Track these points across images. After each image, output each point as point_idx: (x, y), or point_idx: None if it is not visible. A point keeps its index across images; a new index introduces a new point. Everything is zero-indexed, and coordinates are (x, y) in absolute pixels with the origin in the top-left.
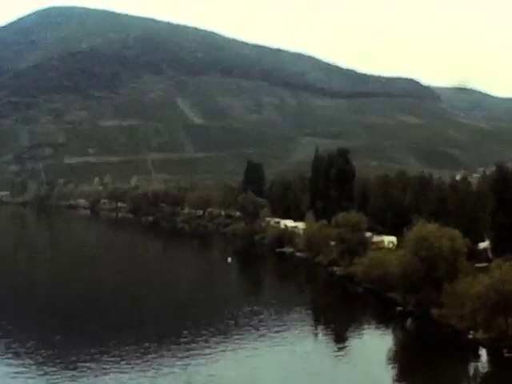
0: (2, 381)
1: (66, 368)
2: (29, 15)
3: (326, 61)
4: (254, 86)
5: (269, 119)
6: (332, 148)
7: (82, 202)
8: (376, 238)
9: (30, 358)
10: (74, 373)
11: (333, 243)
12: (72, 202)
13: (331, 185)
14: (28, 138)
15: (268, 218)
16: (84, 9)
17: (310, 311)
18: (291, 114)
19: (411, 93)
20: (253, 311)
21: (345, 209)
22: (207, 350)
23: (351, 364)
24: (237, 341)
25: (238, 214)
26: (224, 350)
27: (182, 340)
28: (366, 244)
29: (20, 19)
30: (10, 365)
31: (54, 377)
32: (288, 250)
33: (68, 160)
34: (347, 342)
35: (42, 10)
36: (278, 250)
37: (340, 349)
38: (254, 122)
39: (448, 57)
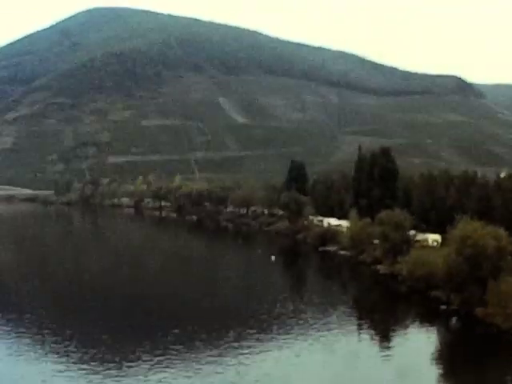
0: (47, 380)
1: (111, 368)
2: (72, 16)
3: (369, 59)
4: (296, 84)
5: (311, 118)
6: (375, 146)
7: (125, 201)
8: (420, 237)
9: (75, 357)
10: (120, 372)
11: (376, 241)
12: (116, 201)
13: (374, 183)
14: (72, 138)
15: (311, 217)
16: (126, 9)
17: (353, 310)
18: (334, 113)
19: (455, 90)
20: (296, 310)
21: (388, 207)
22: (250, 350)
23: (395, 363)
24: (280, 340)
25: (281, 212)
26: (267, 349)
27: (226, 339)
28: (409, 242)
29: (63, 21)
30: (55, 363)
31: (98, 376)
32: (331, 248)
33: (112, 159)
34: (391, 341)
35: (85, 12)
36: (321, 248)
37: (383, 348)
38: (296, 121)
39: (492, 53)
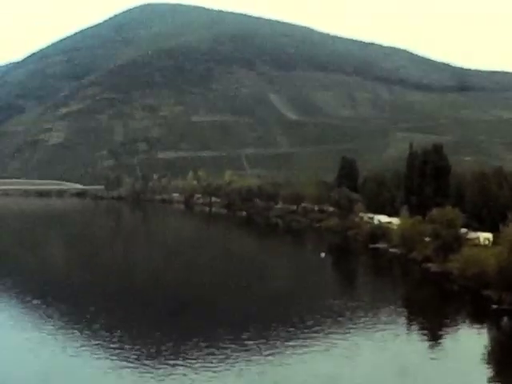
0: (99, 376)
1: (160, 365)
2: (123, 13)
3: (421, 54)
4: (347, 80)
5: (362, 114)
6: (427, 143)
7: (176, 196)
8: (471, 235)
9: (127, 354)
10: (170, 371)
11: (427, 239)
12: (166, 196)
13: (426, 181)
14: (123, 134)
15: (362, 214)
16: (177, 5)
17: (403, 308)
18: (385, 109)
19: (508, 87)
20: (345, 308)
21: (440, 205)
22: (298, 348)
23: (445, 363)
24: (329, 337)
25: (331, 209)
26: (315, 348)
27: (274, 337)
28: (460, 240)
29: (114, 17)
30: (107, 359)
31: (147, 374)
32: (382, 245)
33: (162, 155)
34: (441, 340)
35: (136, 8)
36: (371, 245)
37: (434, 347)
38: (347, 118)
39: None
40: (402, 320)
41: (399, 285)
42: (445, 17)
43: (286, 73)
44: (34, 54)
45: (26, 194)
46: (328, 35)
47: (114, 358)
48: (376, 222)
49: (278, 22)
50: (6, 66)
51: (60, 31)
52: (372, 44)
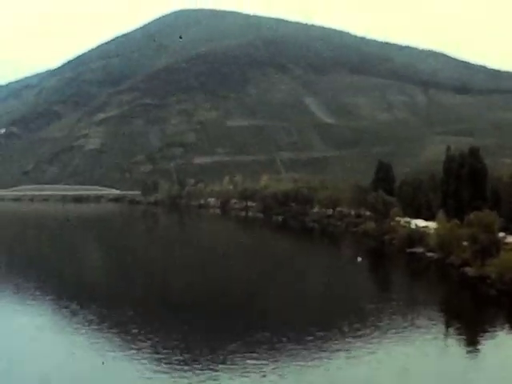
0: (138, 382)
1: (199, 370)
2: (158, 19)
3: (457, 57)
4: (383, 84)
5: (398, 118)
6: (463, 146)
7: (212, 201)
8: (509, 239)
9: (165, 359)
10: (208, 376)
11: (465, 243)
12: (202, 201)
13: (463, 184)
14: (159, 139)
15: (398, 218)
16: (212, 11)
17: (440, 312)
18: (421, 112)
19: None
20: (382, 311)
21: (477, 208)
22: (334, 351)
23: (482, 369)
24: (364, 342)
25: (367, 213)
26: (351, 351)
27: (310, 340)
28: (499, 244)
29: (150, 23)
30: (146, 364)
31: (186, 379)
32: (418, 250)
33: (198, 160)
34: (479, 345)
35: (171, 13)
36: (408, 250)
37: (472, 352)
38: (383, 121)
39: None
40: (440, 325)
41: (436, 289)
42: (481, 18)
43: (321, 76)
44: (70, 61)
45: (63, 199)
46: (363, 38)
47: (154, 363)
48: (413, 226)
49: (312, 25)
50: (44, 73)
51: (96, 38)
52: (408, 47)
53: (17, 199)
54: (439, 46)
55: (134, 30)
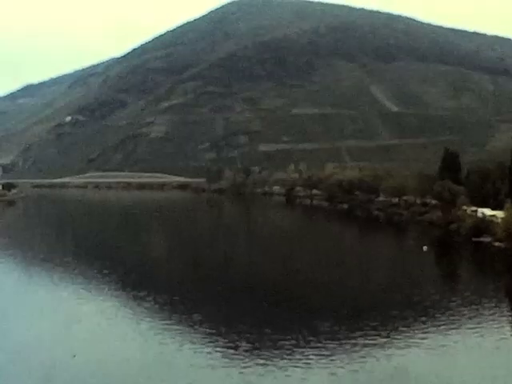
0: (204, 372)
1: (256, 363)
2: (222, 6)
3: None
4: (450, 71)
5: (465, 105)
6: None
7: (276, 189)
8: None
9: (230, 350)
10: (271, 368)
11: None
12: (267, 189)
13: None
14: (223, 127)
15: (465, 207)
16: None
17: (507, 304)
18: (489, 100)
19: None
20: (446, 303)
21: None
22: (397, 343)
23: None
24: (428, 333)
25: (433, 202)
26: (415, 344)
27: (373, 331)
28: None
29: (214, 10)
30: (212, 354)
31: (251, 369)
32: (485, 239)
33: (263, 147)
34: None
35: (236, 1)
36: (474, 239)
37: None
38: (450, 109)
39: None
40: (506, 317)
41: (503, 280)
42: None
43: (387, 64)
44: (135, 49)
45: (127, 186)
46: (429, 25)
47: (218, 354)
48: (480, 215)
49: (378, 12)
50: (108, 61)
51: (160, 26)
52: (475, 33)
53: (82, 186)
54: (507, 32)
55: (199, 18)
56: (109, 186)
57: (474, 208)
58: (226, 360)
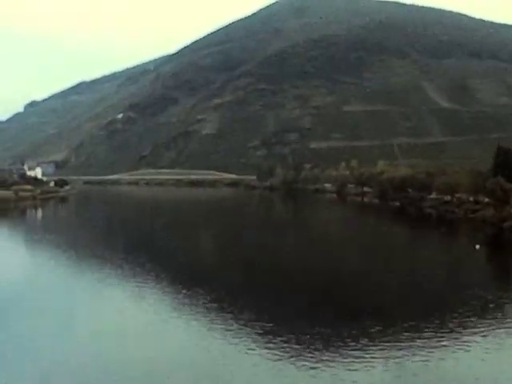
0: (255, 371)
1: (305, 364)
2: (273, 4)
3: None
4: (503, 67)
5: None
6: None
7: (328, 186)
8: None
9: (280, 350)
10: (319, 369)
11: None
12: (318, 186)
13: None
14: (274, 124)
15: None
16: None
17: None
18: None
19: None
20: (498, 302)
21: None
22: (445, 343)
23: None
24: (476, 335)
25: (486, 199)
26: (466, 346)
27: (419, 331)
28: None
29: (264, 8)
30: (259, 353)
31: (302, 368)
32: None
33: (313, 145)
34: None
35: None
36: None
37: None
38: (503, 106)
39: None
40: None
41: None
42: None
43: (438, 61)
44: (186, 46)
45: (178, 183)
46: (482, 21)
47: (268, 353)
48: None
49: (430, 8)
50: (160, 58)
51: (212, 24)
52: None
53: (133, 183)
54: None
55: (250, 15)
56: (159, 183)
57: None
58: (291, 361)
